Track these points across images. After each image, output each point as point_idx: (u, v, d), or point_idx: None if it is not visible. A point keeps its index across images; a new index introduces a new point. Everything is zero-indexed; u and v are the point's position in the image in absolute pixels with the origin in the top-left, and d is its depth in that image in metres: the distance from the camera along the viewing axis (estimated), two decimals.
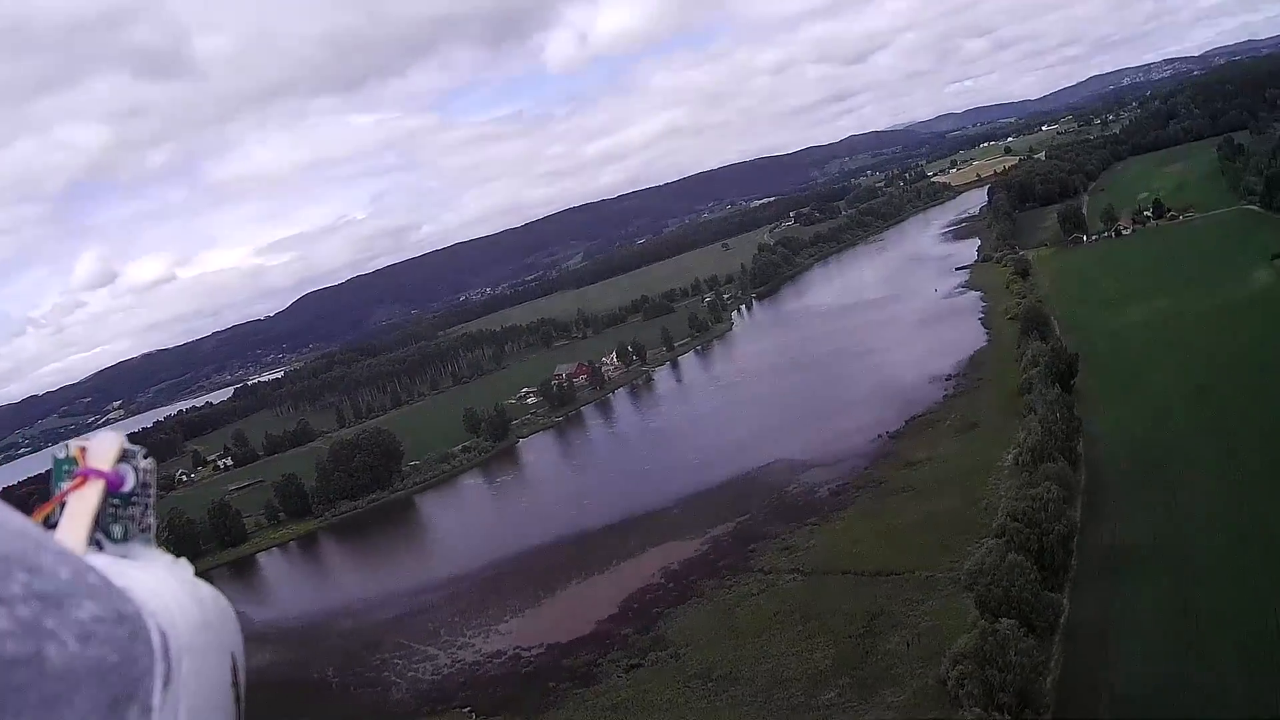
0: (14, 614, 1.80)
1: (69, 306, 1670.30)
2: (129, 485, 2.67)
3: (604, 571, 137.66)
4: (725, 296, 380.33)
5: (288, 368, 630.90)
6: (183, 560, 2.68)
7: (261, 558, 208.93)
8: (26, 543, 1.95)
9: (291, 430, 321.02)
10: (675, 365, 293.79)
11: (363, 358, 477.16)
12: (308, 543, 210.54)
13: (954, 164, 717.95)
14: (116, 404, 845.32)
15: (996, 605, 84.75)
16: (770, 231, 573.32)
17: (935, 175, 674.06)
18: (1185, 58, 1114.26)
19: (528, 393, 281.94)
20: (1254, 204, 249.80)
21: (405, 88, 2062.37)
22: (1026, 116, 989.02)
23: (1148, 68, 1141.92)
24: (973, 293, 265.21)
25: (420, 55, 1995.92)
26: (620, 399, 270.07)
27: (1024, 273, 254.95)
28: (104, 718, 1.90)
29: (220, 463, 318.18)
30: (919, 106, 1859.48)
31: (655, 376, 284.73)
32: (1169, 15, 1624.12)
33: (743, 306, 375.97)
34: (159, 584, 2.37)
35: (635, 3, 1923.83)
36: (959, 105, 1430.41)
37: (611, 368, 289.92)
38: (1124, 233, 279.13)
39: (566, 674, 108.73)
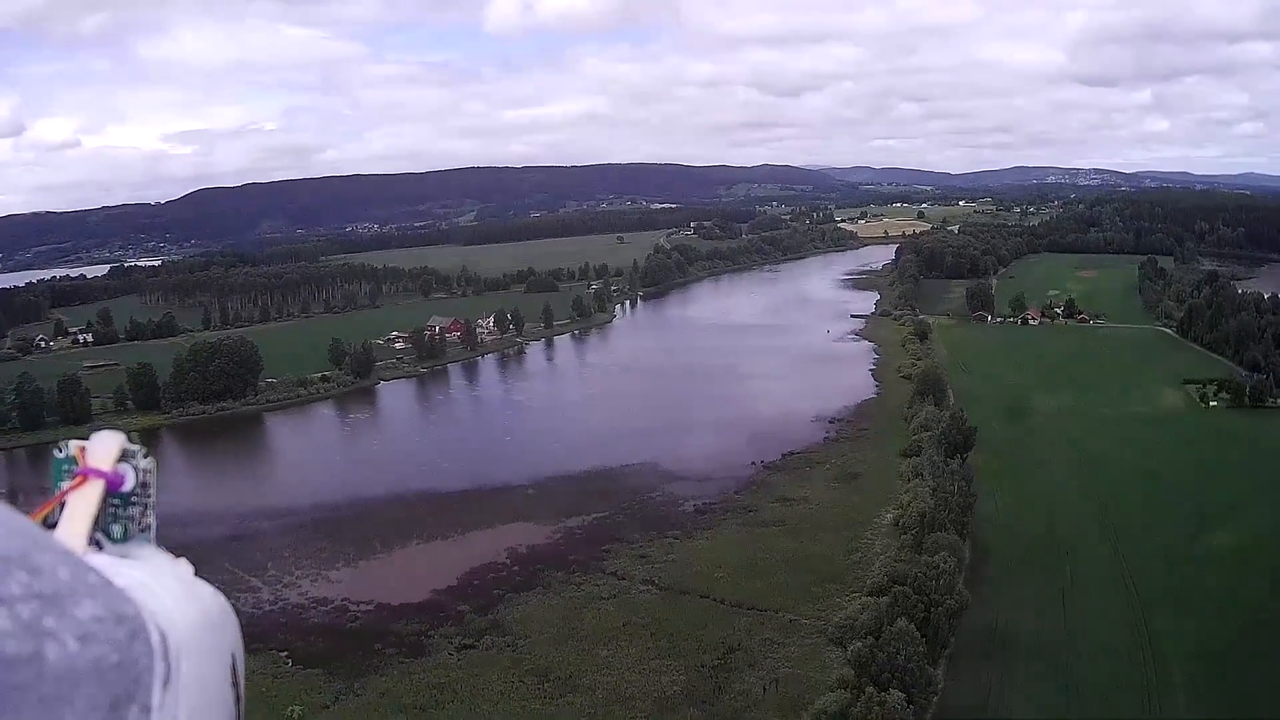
0: (14, 614, 1.80)
1: None
2: (129, 485, 2.68)
3: (447, 538, 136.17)
4: (613, 288, 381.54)
5: (166, 258, 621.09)
6: (183, 560, 2.69)
7: None
8: (26, 543, 1.95)
9: (156, 321, 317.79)
10: (550, 344, 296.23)
11: (241, 265, 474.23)
12: (149, 437, 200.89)
13: (864, 215, 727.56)
14: None
15: (878, 671, 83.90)
16: (668, 236, 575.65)
17: (843, 222, 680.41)
18: (1116, 172, 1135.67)
19: (397, 337, 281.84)
20: (1169, 327, 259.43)
21: (342, 11, 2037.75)
22: (943, 189, 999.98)
23: (1075, 172, 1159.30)
24: (866, 343, 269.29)
25: None
26: (489, 364, 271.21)
27: (923, 335, 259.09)
28: (104, 718, 1.90)
29: (81, 337, 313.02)
30: (838, 153, 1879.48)
31: (528, 350, 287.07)
32: (1109, 130, 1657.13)
33: (628, 302, 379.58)
34: (159, 584, 2.37)
35: None
36: (877, 161, 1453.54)
37: (486, 331, 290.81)
38: (1031, 322, 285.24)
39: (394, 639, 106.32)
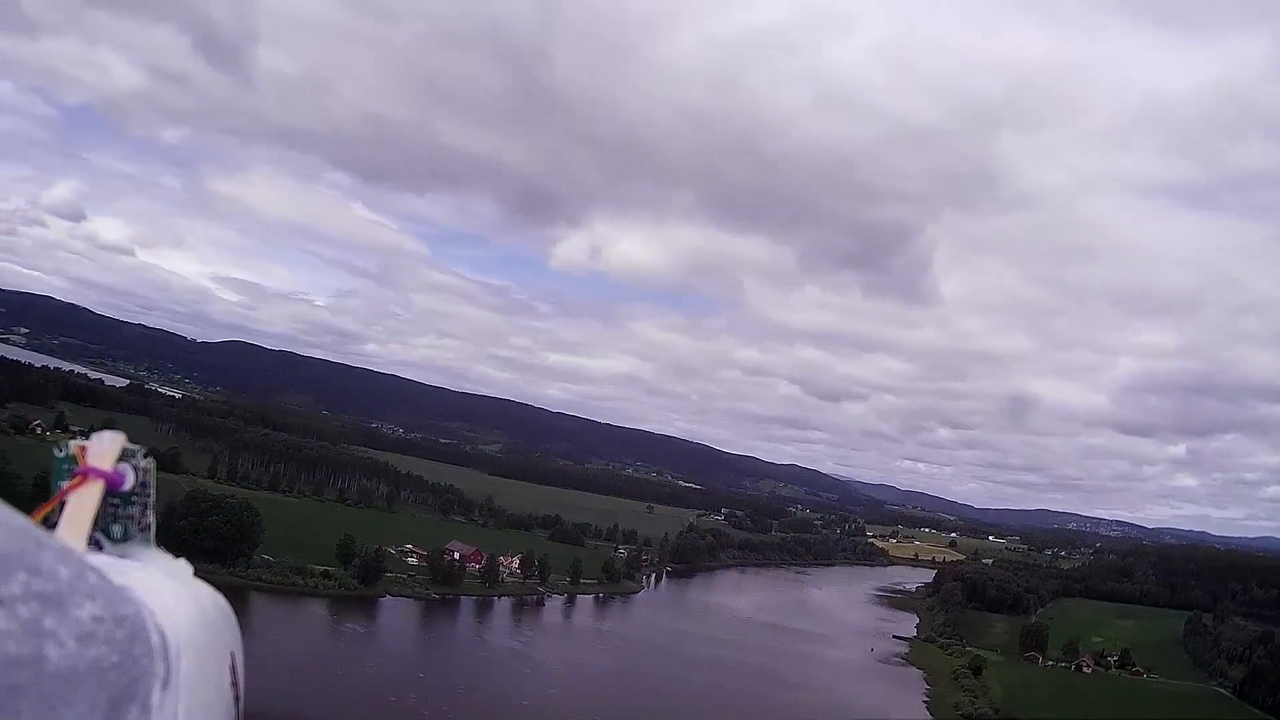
0: (14, 614, 1.82)
1: (30, 219, 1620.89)
2: (128, 484, 2.65)
3: None
4: (643, 558, 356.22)
5: (189, 393, 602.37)
6: (182, 560, 2.68)
7: None
8: (26, 543, 1.94)
9: (161, 451, 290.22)
10: (572, 600, 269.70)
11: (261, 425, 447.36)
12: None
13: (894, 534, 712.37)
14: (24, 330, 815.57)
15: None
16: (698, 516, 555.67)
17: (874, 537, 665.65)
18: (1138, 525, 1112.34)
19: (412, 551, 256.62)
20: (1224, 687, 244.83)
21: (414, 206, 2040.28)
22: (965, 520, 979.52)
23: (1096, 521, 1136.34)
24: (913, 670, 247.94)
25: (445, 184, 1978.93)
26: (504, 607, 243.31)
27: (976, 670, 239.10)
28: (104, 718, 1.90)
29: (80, 438, 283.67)
30: (865, 467, 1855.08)
31: (547, 603, 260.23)
32: (1137, 482, 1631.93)
33: (654, 575, 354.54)
34: (158, 584, 2.35)
35: (656, 246, 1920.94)
36: (902, 483, 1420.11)
37: (508, 571, 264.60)
38: (1085, 670, 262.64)
39: None
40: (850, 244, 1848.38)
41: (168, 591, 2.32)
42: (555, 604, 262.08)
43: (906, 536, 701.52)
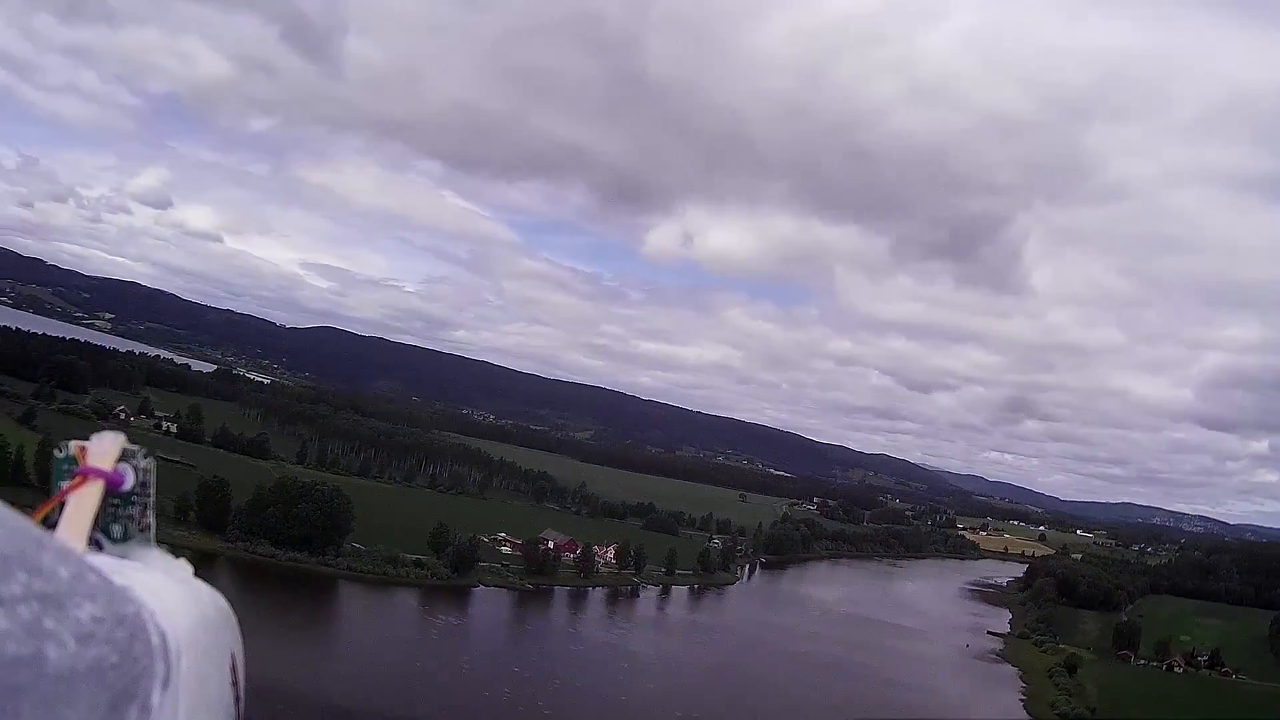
0: (14, 614, 1.80)
1: (115, 206, 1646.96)
2: (129, 484, 2.65)
3: None
4: (738, 548, 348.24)
5: (277, 379, 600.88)
6: (182, 560, 2.68)
7: None
8: (26, 542, 1.93)
9: (250, 437, 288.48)
10: (666, 592, 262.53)
11: (351, 411, 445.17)
12: (203, 563, 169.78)
13: (984, 527, 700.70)
14: (109, 315, 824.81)
15: None
16: (790, 506, 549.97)
17: (964, 530, 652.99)
18: (1220, 521, 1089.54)
19: (506, 540, 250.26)
20: None
21: (506, 195, 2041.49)
22: (1051, 512, 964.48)
23: (1179, 516, 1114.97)
24: (1009, 667, 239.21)
25: (538, 172, 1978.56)
26: (598, 598, 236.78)
27: (1072, 669, 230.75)
28: (104, 718, 1.89)
29: (166, 424, 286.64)
30: (953, 457, 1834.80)
31: (642, 594, 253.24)
32: (1220, 477, 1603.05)
33: (748, 566, 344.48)
34: (158, 584, 2.35)
35: (749, 235, 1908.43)
36: (990, 473, 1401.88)
37: (603, 562, 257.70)
38: (1176, 670, 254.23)
39: None
40: (942, 234, 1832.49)
41: (168, 592, 2.32)
42: (650, 595, 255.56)
43: (996, 529, 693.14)
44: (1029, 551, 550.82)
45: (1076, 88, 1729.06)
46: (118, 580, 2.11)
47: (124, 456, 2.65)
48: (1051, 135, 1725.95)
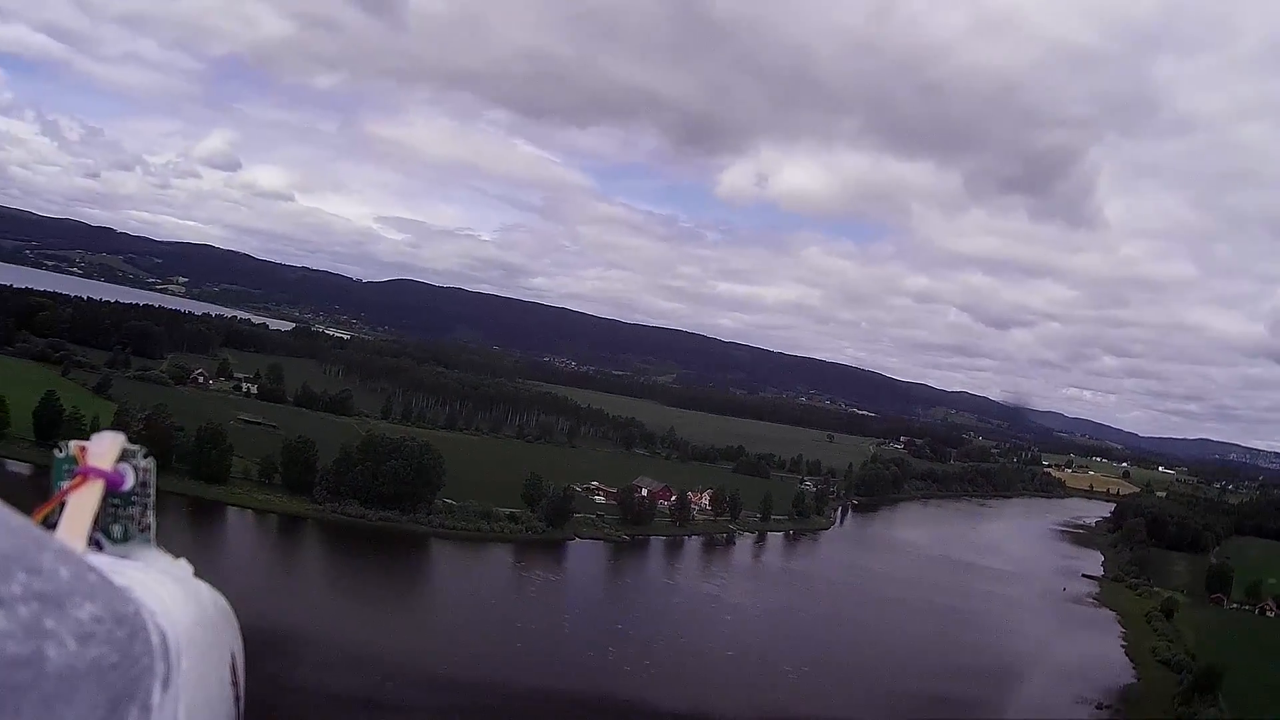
0: (14, 614, 1.79)
1: (183, 171, 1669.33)
2: (128, 484, 2.64)
3: None
4: (831, 491, 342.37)
5: (356, 334, 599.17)
6: (182, 560, 2.70)
7: (232, 513, 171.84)
8: (26, 542, 1.93)
9: (332, 395, 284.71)
10: (762, 539, 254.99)
11: (434, 363, 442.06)
12: (291, 526, 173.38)
13: (1069, 464, 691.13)
14: (182, 280, 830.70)
15: None
16: (877, 445, 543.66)
17: (1049, 467, 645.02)
18: None
19: (599, 489, 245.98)
20: None
21: (578, 140, 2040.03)
22: (1130, 449, 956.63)
23: (1256, 452, 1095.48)
24: (1106, 611, 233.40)
25: (609, 117, 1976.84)
26: (694, 546, 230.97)
27: (1168, 613, 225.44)
28: (104, 718, 1.89)
29: (245, 385, 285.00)
30: (1033, 394, 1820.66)
31: (738, 542, 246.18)
32: None
33: (840, 509, 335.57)
34: (158, 584, 2.37)
35: (823, 172, 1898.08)
36: (1069, 410, 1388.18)
37: (698, 509, 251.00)
38: (1268, 614, 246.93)
39: None
40: (1015, 168, 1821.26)
41: (168, 592, 2.34)
42: (746, 543, 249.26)
43: (1080, 466, 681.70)
44: (1113, 489, 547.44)
45: (1142, 19, 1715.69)
46: (118, 580, 2.13)
47: (124, 456, 2.64)
48: (1120, 67, 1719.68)
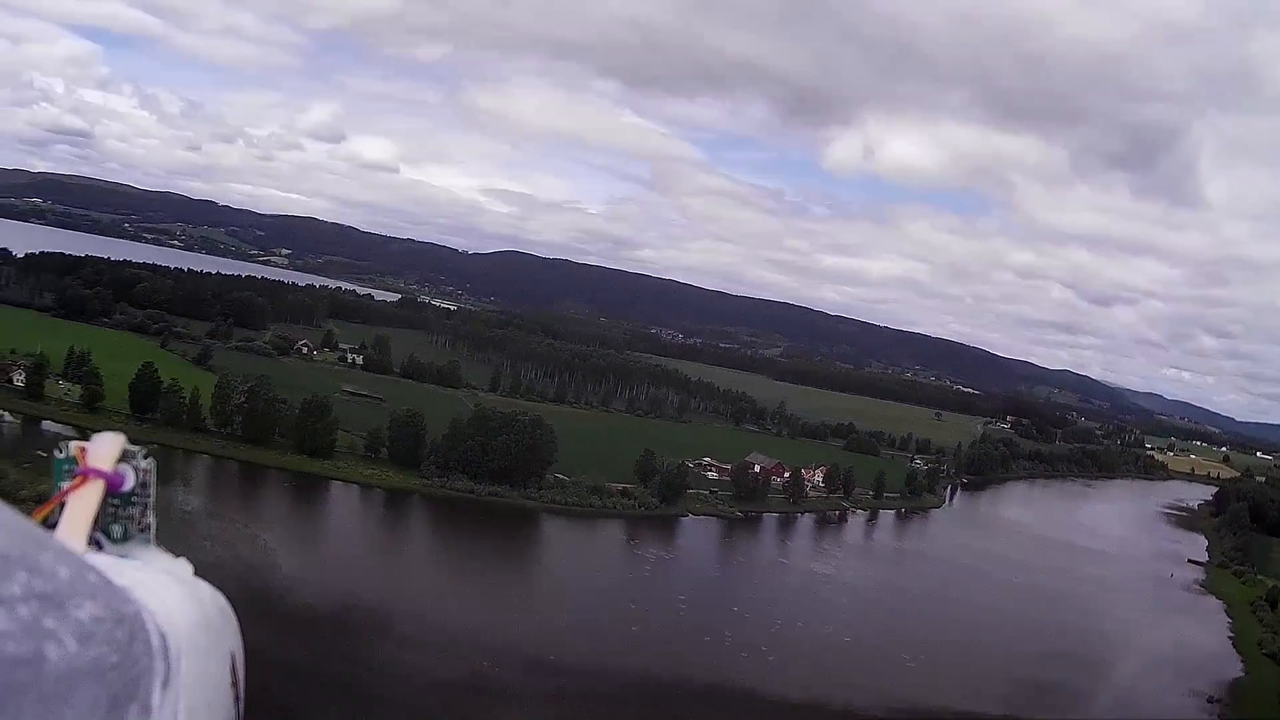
0: (14, 614, 1.79)
1: (287, 143, 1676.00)
2: (129, 485, 2.66)
3: None
4: (941, 470, 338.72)
5: (462, 305, 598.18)
6: (182, 560, 2.71)
7: (337, 487, 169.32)
8: (26, 543, 1.93)
9: (440, 366, 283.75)
10: (874, 517, 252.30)
11: (542, 335, 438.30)
12: (398, 501, 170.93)
13: (1172, 447, 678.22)
14: (285, 251, 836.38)
15: None
16: (984, 424, 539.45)
17: (1152, 450, 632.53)
18: None
19: (711, 465, 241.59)
20: None
21: (684, 111, 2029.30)
22: (1227, 432, 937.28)
23: None
24: (1213, 600, 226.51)
25: (715, 88, 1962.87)
26: (807, 524, 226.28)
27: (1274, 602, 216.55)
28: (104, 718, 1.89)
29: (351, 356, 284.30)
30: (1133, 374, 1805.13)
31: (850, 520, 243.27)
32: None
33: (949, 488, 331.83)
34: (158, 584, 2.37)
35: (929, 146, 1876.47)
36: (1168, 391, 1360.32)
37: (811, 486, 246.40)
38: None
39: None
40: (1119, 144, 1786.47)
41: (168, 591, 2.34)
42: (858, 521, 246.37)
43: (1182, 449, 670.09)
44: (1214, 473, 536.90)
45: None
46: (118, 580, 2.12)
47: (124, 457, 2.65)
48: (1220, 42, 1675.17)
